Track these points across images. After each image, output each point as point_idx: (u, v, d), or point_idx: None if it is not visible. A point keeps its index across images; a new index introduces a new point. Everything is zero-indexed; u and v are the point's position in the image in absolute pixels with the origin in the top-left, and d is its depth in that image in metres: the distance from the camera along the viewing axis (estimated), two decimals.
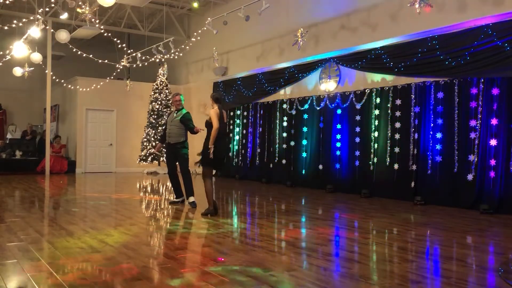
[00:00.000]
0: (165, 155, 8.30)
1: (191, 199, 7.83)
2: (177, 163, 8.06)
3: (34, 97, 19.06)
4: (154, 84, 15.72)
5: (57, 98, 17.29)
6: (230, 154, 14.63)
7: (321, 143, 11.22)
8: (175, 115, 8.01)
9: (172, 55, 13.72)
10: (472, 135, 8.06)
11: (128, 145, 16.38)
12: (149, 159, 15.20)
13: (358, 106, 10.25)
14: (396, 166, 9.30)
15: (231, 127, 14.71)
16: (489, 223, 6.76)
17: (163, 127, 8.72)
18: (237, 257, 4.43)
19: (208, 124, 6.89)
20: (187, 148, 8.08)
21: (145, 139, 15.35)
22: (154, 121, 15.34)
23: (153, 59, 14.08)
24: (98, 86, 15.26)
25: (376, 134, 9.82)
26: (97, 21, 13.47)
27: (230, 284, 3.59)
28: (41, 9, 12.48)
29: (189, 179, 7.94)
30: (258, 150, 13.42)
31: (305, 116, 11.73)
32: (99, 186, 11.79)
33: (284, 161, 12.39)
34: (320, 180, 11.06)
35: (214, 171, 7.79)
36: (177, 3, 15.09)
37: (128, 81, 15.79)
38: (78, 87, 15.58)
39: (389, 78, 9.67)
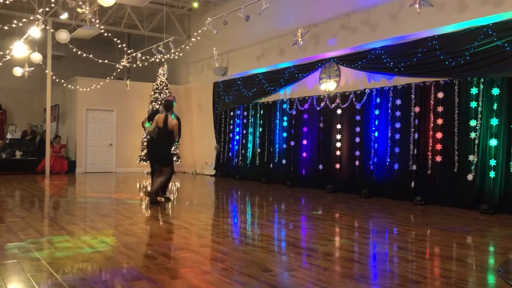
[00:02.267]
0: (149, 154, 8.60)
1: (158, 197, 8.22)
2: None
3: (34, 97, 19.05)
4: (154, 84, 15.72)
5: (57, 98, 17.28)
6: (230, 154, 14.64)
7: (321, 143, 11.22)
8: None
9: (172, 55, 13.72)
10: (472, 135, 8.05)
11: (128, 145, 16.38)
12: None
13: (358, 106, 10.24)
14: (396, 166, 9.30)
15: (231, 127, 14.72)
16: (489, 223, 6.75)
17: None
18: (237, 257, 4.43)
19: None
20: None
21: (145, 139, 15.34)
22: None
23: (153, 59, 14.08)
24: (98, 86, 15.26)
25: (376, 134, 9.82)
26: (97, 21, 13.47)
27: (230, 284, 3.59)
28: (41, 9, 12.48)
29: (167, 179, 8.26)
30: (258, 150, 13.42)
31: (305, 116, 11.73)
32: (99, 186, 11.79)
33: (284, 161, 12.39)
34: (320, 180, 11.06)
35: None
36: (177, 3, 15.09)
37: (128, 81, 15.79)
38: (78, 87, 15.57)
39: (389, 78, 9.67)
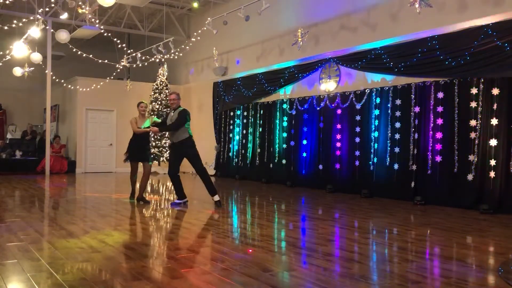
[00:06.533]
0: (168, 155, 8.34)
1: (216, 197, 7.81)
2: (180, 164, 8.00)
3: (34, 97, 19.05)
4: (154, 84, 15.72)
5: (57, 98, 17.28)
6: (230, 154, 14.63)
7: (321, 143, 11.22)
8: (172, 113, 8.00)
9: (172, 55, 13.72)
10: (472, 135, 8.05)
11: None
12: None
13: (358, 106, 10.24)
14: (396, 166, 9.30)
15: (231, 127, 14.72)
16: (489, 223, 6.75)
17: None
18: (237, 257, 4.43)
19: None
20: (194, 146, 7.98)
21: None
22: None
23: (153, 59, 14.08)
24: (98, 86, 15.26)
25: (376, 134, 9.82)
26: (97, 21, 13.47)
27: (230, 284, 3.59)
28: (41, 9, 12.48)
29: (208, 177, 7.83)
30: (258, 150, 13.42)
31: (305, 116, 11.73)
32: (99, 186, 11.79)
33: (284, 161, 12.39)
34: (320, 180, 11.06)
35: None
36: (177, 3, 15.09)
37: (128, 81, 15.79)
38: (78, 87, 15.57)
39: (389, 78, 9.67)
